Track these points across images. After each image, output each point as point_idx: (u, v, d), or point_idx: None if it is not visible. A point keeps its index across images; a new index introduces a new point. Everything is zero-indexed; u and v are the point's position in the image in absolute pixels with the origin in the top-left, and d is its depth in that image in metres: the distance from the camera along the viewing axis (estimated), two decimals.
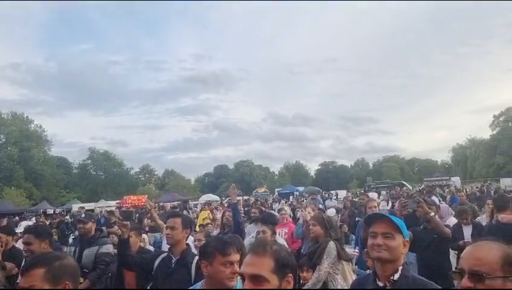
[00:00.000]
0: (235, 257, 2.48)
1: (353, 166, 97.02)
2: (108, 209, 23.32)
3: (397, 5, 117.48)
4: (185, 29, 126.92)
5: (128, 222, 3.62)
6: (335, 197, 25.77)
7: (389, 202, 14.39)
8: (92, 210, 29.38)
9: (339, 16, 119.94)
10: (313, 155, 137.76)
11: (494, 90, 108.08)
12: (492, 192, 19.61)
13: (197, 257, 3.56)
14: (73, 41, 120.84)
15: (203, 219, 12.78)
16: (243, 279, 1.76)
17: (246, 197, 35.92)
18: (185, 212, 15.80)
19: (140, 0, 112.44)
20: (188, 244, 3.67)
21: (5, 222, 14.58)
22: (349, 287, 3.30)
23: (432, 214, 4.64)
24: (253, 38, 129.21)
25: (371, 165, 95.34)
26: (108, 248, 5.19)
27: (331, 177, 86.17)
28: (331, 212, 10.75)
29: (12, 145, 50.50)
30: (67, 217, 20.87)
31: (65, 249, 6.16)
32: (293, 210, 14.07)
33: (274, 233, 4.84)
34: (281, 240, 5.30)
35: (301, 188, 44.53)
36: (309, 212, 5.92)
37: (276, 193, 42.10)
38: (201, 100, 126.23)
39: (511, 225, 4.74)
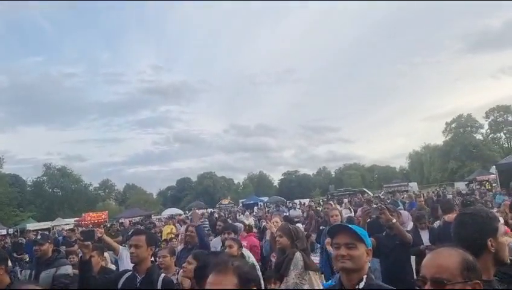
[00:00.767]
0: None
1: (315, 175, 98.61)
2: (66, 227, 22.37)
3: (354, 17, 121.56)
4: (143, 40, 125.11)
5: (89, 242, 3.48)
6: (298, 207, 26.03)
7: (351, 209, 14.70)
8: (48, 229, 28.13)
9: (298, 27, 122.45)
10: (276, 165, 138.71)
11: (446, 98, 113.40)
12: (448, 196, 20.56)
13: (163, 275, 3.48)
14: (25, 54, 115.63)
15: (167, 234, 12.55)
16: None
17: (210, 210, 35.59)
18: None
19: (96, 10, 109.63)
20: (153, 262, 3.59)
21: None
22: None
23: (394, 220, 4.78)
24: (213, 49, 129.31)
25: (332, 173, 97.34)
26: (67, 269, 4.96)
27: (294, 186, 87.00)
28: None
29: None
30: (21, 237, 19.81)
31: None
32: (259, 220, 14.09)
33: (241, 246, 4.80)
34: (247, 253, 5.28)
35: (265, 199, 44.67)
36: (276, 222, 5.94)
37: (241, 204, 41.99)
38: (161, 112, 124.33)
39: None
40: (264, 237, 7.21)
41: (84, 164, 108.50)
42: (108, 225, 18.61)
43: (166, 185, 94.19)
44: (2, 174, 54.28)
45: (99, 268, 4.87)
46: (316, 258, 5.72)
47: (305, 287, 3.69)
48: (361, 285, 2.15)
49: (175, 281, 3.96)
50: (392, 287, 2.25)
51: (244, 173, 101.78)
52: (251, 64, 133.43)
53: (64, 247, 6.54)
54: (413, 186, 39.38)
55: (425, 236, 6.04)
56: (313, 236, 8.32)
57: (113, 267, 6.00)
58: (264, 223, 9.48)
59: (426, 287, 1.59)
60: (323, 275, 5.22)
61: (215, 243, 6.36)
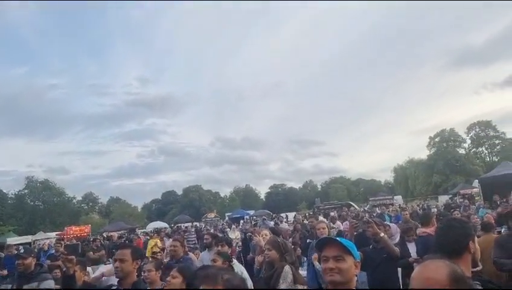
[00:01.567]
0: None
1: (302, 188, 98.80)
2: (47, 241, 21.88)
3: (340, 31, 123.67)
4: (130, 52, 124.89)
5: (73, 257, 3.41)
6: (285, 220, 25.97)
7: (337, 222, 14.77)
8: (29, 243, 27.47)
9: (284, 40, 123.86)
10: (263, 178, 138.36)
11: (430, 113, 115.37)
12: (432, 209, 20.80)
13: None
14: (7, 65, 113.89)
15: (152, 248, 12.37)
16: None
17: (196, 223, 35.23)
18: None
19: (83, 21, 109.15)
20: (138, 276, 3.52)
21: None
22: None
23: (382, 234, 4.81)
24: (200, 62, 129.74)
25: (319, 186, 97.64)
26: (50, 284, 4.85)
27: (281, 199, 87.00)
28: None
29: None
30: (0, 252, 19.28)
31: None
32: (245, 234, 13.97)
33: (228, 261, 4.74)
34: (239, 267, 5.23)
35: (251, 212, 44.44)
36: (266, 235, 5.91)
37: (227, 218, 41.68)
38: (147, 125, 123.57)
39: (429, 235, 5.75)
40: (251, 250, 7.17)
41: (68, 177, 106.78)
42: (91, 239, 18.25)
43: (151, 198, 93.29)
44: None
45: (82, 283, 4.77)
46: (303, 273, 5.69)
47: None
48: None
49: None
50: None
51: (230, 186, 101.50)
52: (238, 77, 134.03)
53: (49, 261, 6.37)
54: (398, 199, 39.72)
55: (412, 249, 6.08)
56: (298, 251, 8.28)
57: None
58: (251, 236, 9.42)
59: None
60: None
61: (204, 257, 6.29)
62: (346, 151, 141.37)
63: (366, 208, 32.97)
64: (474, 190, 31.58)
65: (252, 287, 4.40)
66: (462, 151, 69.44)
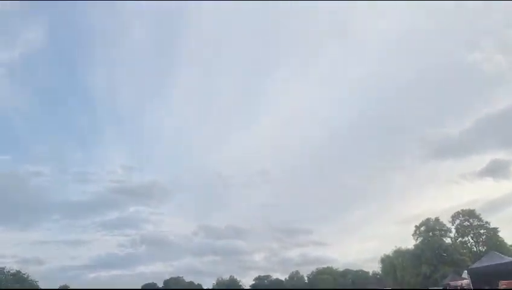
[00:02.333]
0: None
1: (288, 279, 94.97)
2: None
3: (322, 120, 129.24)
4: (116, 140, 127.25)
5: None
6: None
7: None
8: None
9: (268, 129, 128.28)
10: (247, 269, 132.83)
11: (413, 202, 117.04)
12: None
13: None
14: None
15: None
16: None
17: None
18: None
19: (69, 109, 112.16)
20: None
21: None
22: None
23: None
24: (185, 151, 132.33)
25: (305, 277, 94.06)
26: None
27: None
28: None
29: None
30: None
31: None
32: None
33: None
34: None
35: None
36: None
37: None
38: (130, 213, 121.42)
39: None
40: None
41: (42, 268, 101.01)
42: None
43: None
44: None
45: None
46: None
47: None
48: None
49: None
50: None
51: (213, 278, 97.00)
52: (222, 165, 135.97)
53: None
54: None
55: None
56: None
57: None
58: None
59: None
60: None
61: None
62: (333, 241, 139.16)
63: None
64: (464, 281, 31.05)
65: None
66: (448, 240, 69.14)
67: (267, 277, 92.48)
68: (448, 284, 35.36)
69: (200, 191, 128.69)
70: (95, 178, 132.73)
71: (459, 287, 30.59)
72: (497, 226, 66.69)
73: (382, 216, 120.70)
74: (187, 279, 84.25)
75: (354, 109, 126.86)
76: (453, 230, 70.66)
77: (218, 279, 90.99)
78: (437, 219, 69.91)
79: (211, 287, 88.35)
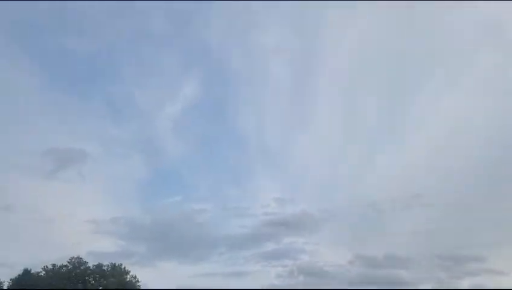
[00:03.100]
0: None
1: None
2: None
3: (482, 130, 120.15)
4: (267, 174, 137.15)
5: None
6: None
7: None
8: None
9: (417, 149, 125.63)
10: None
11: None
12: None
13: None
14: (166, 195, 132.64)
15: None
16: None
17: None
18: None
19: (226, 155, 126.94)
20: None
21: None
22: None
23: None
24: (334, 178, 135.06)
25: None
26: None
27: None
28: None
29: None
30: None
31: None
32: None
33: None
34: None
35: None
36: None
37: None
38: (285, 244, 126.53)
39: None
40: None
41: None
42: None
43: None
44: None
45: None
46: None
47: None
48: None
49: None
50: None
51: None
52: (373, 190, 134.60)
53: None
54: None
55: None
56: None
57: None
58: None
59: None
60: None
61: None
62: None
63: None
64: None
65: None
66: None
67: None
68: None
69: (351, 219, 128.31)
70: (251, 212, 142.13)
71: None
72: None
73: None
74: None
75: None
76: None
77: None
78: None
79: None
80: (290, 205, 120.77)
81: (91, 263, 58.19)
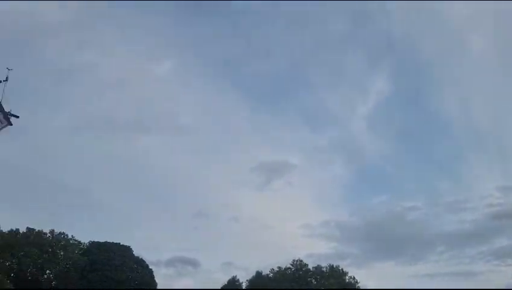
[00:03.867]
0: None
1: None
2: None
3: None
4: (482, 162, 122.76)
5: None
6: None
7: None
8: None
9: None
10: None
11: None
12: None
13: None
14: (372, 195, 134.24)
15: None
16: None
17: None
18: None
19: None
20: None
21: None
22: None
23: None
24: None
25: None
26: None
27: None
28: None
29: None
30: None
31: None
32: None
33: None
34: None
35: None
36: None
37: None
38: None
39: None
40: None
41: None
42: None
43: None
44: None
45: None
46: None
47: None
48: None
49: None
50: None
51: None
52: None
53: None
54: None
55: None
56: None
57: None
58: None
59: None
60: None
61: None
62: None
63: None
64: None
65: None
66: None
67: None
68: None
69: None
70: (469, 205, 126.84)
71: None
72: None
73: None
74: None
75: None
76: None
77: None
78: None
79: None
80: None
81: (310, 265, 62.09)
